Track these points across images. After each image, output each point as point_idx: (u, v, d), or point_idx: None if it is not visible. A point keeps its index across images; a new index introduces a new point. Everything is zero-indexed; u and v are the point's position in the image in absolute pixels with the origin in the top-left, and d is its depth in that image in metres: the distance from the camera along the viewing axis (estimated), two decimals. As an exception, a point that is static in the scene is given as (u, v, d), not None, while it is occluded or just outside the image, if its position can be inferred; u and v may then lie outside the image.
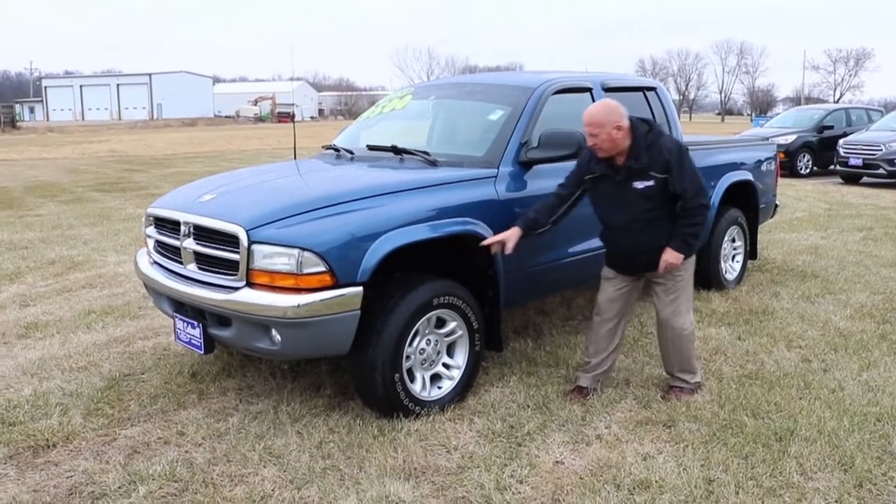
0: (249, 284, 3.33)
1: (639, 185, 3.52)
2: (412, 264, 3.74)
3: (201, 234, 3.58)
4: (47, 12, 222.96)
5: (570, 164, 4.16)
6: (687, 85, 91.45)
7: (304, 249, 3.19)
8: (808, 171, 16.25)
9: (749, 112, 65.40)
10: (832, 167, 15.46)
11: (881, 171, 13.94)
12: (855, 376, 4.07)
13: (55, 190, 14.11)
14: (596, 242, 4.37)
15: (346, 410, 3.70)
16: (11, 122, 55.57)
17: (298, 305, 3.19)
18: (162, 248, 3.98)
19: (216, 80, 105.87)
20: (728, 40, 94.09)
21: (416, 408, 3.55)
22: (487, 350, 4.03)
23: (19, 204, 12.01)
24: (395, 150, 4.24)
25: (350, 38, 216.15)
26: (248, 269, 3.31)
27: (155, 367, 4.40)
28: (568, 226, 4.19)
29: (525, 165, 4.04)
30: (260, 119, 71.40)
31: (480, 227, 3.69)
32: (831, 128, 16.43)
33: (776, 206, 6.74)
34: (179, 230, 3.69)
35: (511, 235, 3.66)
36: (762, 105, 75.42)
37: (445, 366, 3.74)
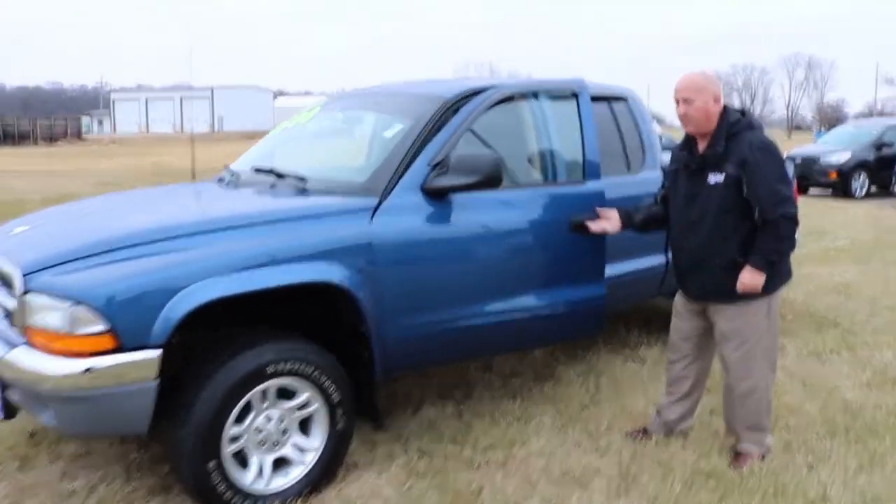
0: (30, 343, 2.62)
1: (712, 178, 3.09)
2: (261, 319, 2.98)
3: None
4: (121, 28, 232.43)
5: (500, 195, 3.38)
6: (752, 100, 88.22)
7: (76, 302, 2.46)
8: (863, 192, 14.77)
9: (818, 128, 62.32)
10: (892, 188, 14.03)
11: (946, 193, 12.48)
12: (850, 479, 3.07)
13: (68, 202, 13.87)
14: (513, 304, 3.47)
15: (170, 498, 2.94)
16: (77, 134, 57.49)
17: (73, 374, 2.46)
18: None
19: (280, 94, 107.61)
20: (796, 54, 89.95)
21: (246, 503, 2.76)
22: (372, 424, 3.23)
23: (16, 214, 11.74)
24: (275, 172, 3.48)
25: (417, 51, 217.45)
26: (24, 324, 2.60)
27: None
28: (474, 279, 3.36)
29: (434, 194, 3.21)
30: (315, 132, 71.84)
31: (339, 275, 2.87)
32: (891, 145, 14.93)
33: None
34: None
35: (611, 216, 3.53)
36: (831, 121, 71.80)
37: (297, 447, 2.94)
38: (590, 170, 3.78)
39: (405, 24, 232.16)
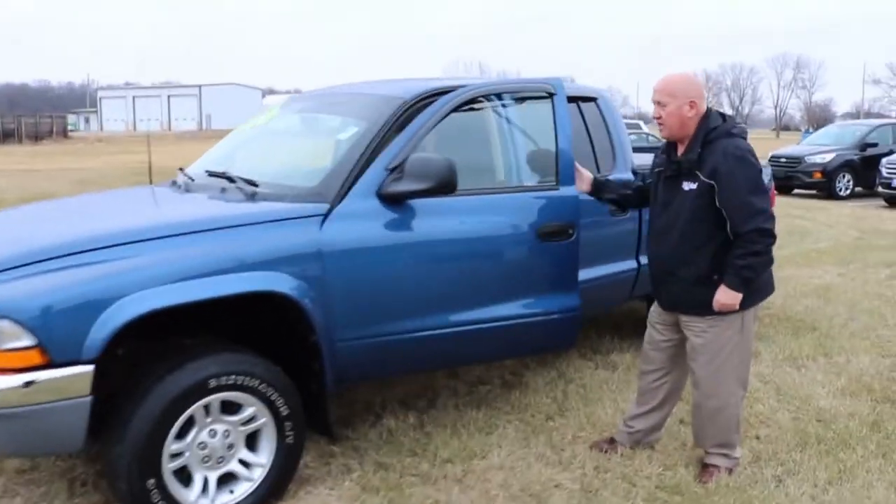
0: (-45, 357, 2.48)
1: (686, 185, 2.95)
2: (213, 330, 2.87)
3: None
4: (109, 24, 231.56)
5: (465, 201, 3.26)
6: (741, 100, 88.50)
7: (0, 316, 2.33)
8: (848, 192, 14.77)
9: (806, 128, 62.49)
10: (877, 188, 13.99)
11: (929, 194, 12.47)
12: (818, 494, 2.98)
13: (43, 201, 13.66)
14: (477, 315, 3.29)
15: (113, 518, 2.82)
16: (63, 132, 56.96)
17: (-2, 390, 2.34)
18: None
19: (270, 92, 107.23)
20: (784, 54, 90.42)
21: (188, 522, 2.64)
22: (325, 437, 3.11)
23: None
24: (227, 177, 3.35)
25: (409, 52, 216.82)
26: (-50, 338, 2.47)
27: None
28: (434, 289, 3.21)
29: (391, 200, 3.08)
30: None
31: (286, 284, 2.75)
32: (875, 145, 14.91)
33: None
34: None
35: (584, 179, 3.51)
36: (819, 120, 72.07)
37: (244, 463, 2.82)
38: (564, 174, 3.55)
39: (402, 24, 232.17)
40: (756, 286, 2.99)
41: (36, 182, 18.24)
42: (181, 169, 3.88)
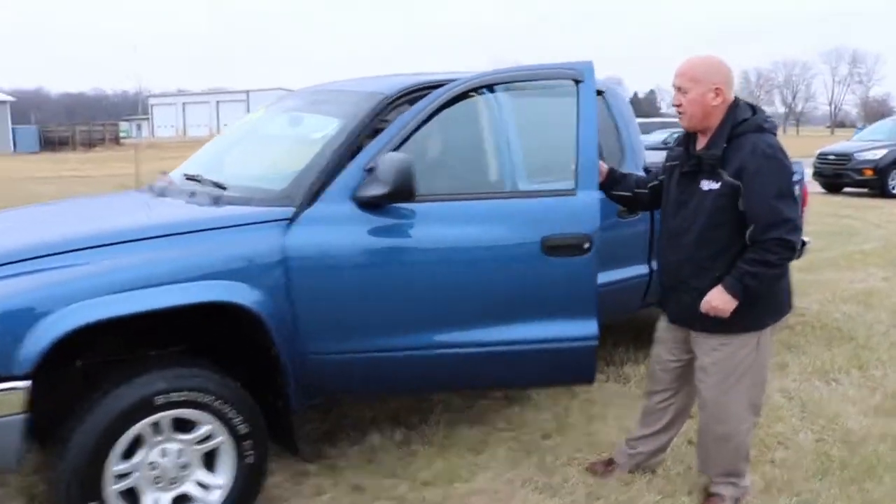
0: None
1: (706, 184, 2.64)
2: (173, 342, 2.71)
3: None
4: (159, 32, 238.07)
5: (460, 207, 2.95)
6: (794, 97, 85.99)
7: (-75, 330, 2.20)
8: (903, 190, 14.01)
9: (861, 124, 59.98)
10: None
11: None
12: (834, 528, 2.67)
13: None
14: (471, 337, 2.91)
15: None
16: (115, 139, 58.52)
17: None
18: None
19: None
20: (839, 48, 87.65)
21: (137, 548, 2.48)
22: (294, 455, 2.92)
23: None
24: (199, 180, 3.20)
25: (452, 51, 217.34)
26: None
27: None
28: (417, 305, 2.89)
29: (369, 205, 2.79)
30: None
31: (244, 294, 2.56)
32: (932, 140, 14.12)
33: (803, 243, 5.22)
34: None
35: (602, 172, 3.09)
36: (877, 116, 69.46)
37: (201, 485, 2.64)
38: (584, 177, 2.96)
39: (443, 21, 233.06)
40: (769, 301, 2.68)
41: (78, 188, 18.64)
42: (164, 172, 3.74)
